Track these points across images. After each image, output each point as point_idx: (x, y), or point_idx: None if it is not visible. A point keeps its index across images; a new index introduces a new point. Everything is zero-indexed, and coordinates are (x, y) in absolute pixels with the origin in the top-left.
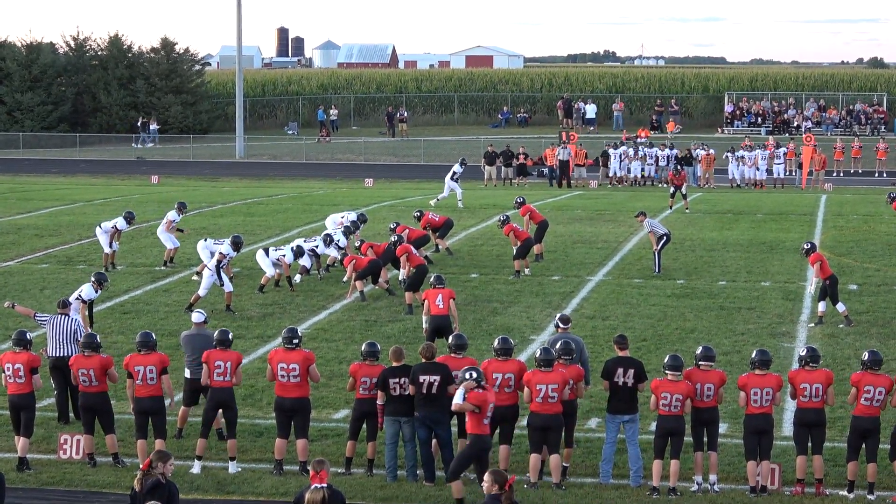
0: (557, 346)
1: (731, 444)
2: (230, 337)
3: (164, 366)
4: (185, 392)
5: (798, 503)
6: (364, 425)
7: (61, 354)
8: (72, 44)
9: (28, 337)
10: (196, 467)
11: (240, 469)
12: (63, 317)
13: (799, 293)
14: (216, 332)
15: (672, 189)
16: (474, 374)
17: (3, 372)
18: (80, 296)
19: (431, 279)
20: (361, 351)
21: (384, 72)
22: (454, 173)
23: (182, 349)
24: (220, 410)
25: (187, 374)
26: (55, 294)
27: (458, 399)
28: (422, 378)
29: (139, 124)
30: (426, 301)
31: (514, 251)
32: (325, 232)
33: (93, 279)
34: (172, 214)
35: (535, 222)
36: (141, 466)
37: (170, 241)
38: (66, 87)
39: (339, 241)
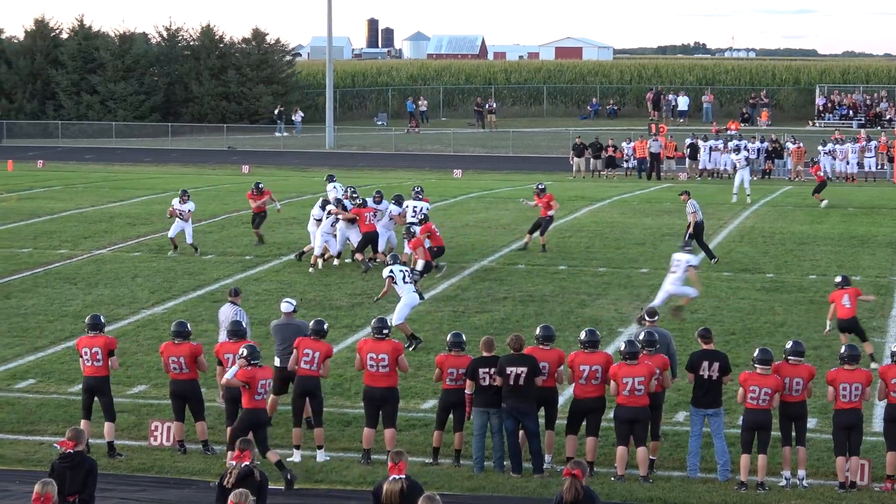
0: (640, 336)
1: (819, 439)
2: (325, 328)
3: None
4: (275, 381)
5: (888, 499)
6: (451, 416)
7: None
8: (164, 34)
9: (102, 321)
10: (296, 456)
11: (328, 458)
12: (230, 304)
13: (890, 287)
14: (312, 322)
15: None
16: (245, 352)
17: (81, 356)
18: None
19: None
20: (447, 341)
21: (473, 63)
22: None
23: (272, 338)
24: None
25: (277, 362)
26: (146, 282)
27: (228, 375)
28: (508, 369)
29: (276, 113)
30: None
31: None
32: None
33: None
34: (176, 202)
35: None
36: (231, 457)
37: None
38: (158, 77)
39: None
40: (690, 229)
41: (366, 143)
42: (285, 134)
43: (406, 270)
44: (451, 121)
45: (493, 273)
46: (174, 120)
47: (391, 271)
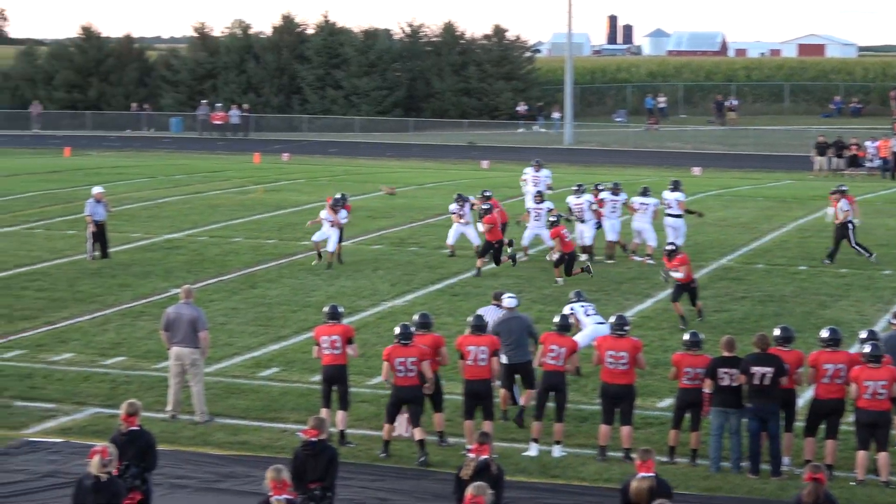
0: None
1: None
2: (570, 322)
3: (495, 349)
4: (504, 376)
5: None
6: (687, 415)
7: None
8: (407, 30)
9: (340, 311)
10: (532, 450)
11: (565, 453)
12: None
13: None
14: (558, 317)
15: None
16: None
17: (319, 345)
18: None
19: None
20: (684, 340)
21: (714, 60)
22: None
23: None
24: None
25: (504, 359)
26: (387, 275)
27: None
28: (753, 369)
29: (525, 109)
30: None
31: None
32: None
33: None
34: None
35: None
36: (471, 449)
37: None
38: (400, 73)
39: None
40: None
41: (604, 140)
42: (543, 130)
43: (588, 306)
44: (690, 118)
45: (731, 272)
46: (416, 115)
47: (573, 309)
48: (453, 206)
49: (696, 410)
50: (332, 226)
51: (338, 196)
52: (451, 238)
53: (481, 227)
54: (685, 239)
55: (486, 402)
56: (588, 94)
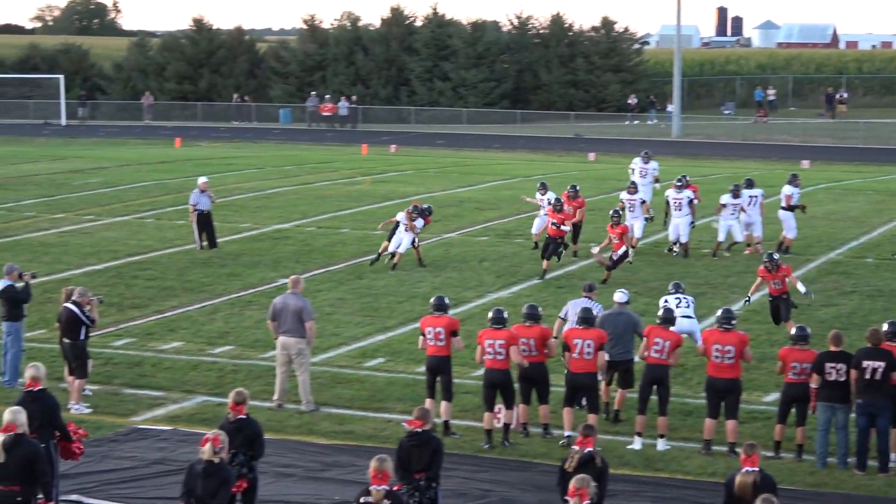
0: None
1: None
2: (675, 315)
3: (602, 342)
4: (607, 371)
5: None
6: (794, 409)
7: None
8: (515, 22)
9: (446, 302)
10: (636, 443)
11: (669, 447)
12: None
13: None
14: (662, 311)
15: None
16: None
17: (424, 335)
18: None
19: None
20: (791, 335)
21: (824, 52)
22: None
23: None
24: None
25: (606, 356)
26: (493, 266)
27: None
28: (865, 363)
29: (635, 102)
30: None
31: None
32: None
33: None
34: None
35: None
36: (576, 443)
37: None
38: (508, 65)
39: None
40: None
41: (712, 133)
42: (655, 121)
43: (683, 298)
44: (799, 111)
45: (839, 266)
46: (523, 107)
47: (666, 301)
48: (537, 196)
49: (802, 405)
50: (407, 230)
51: (424, 206)
52: (535, 228)
53: (549, 219)
54: (796, 232)
55: (590, 394)
56: (696, 87)
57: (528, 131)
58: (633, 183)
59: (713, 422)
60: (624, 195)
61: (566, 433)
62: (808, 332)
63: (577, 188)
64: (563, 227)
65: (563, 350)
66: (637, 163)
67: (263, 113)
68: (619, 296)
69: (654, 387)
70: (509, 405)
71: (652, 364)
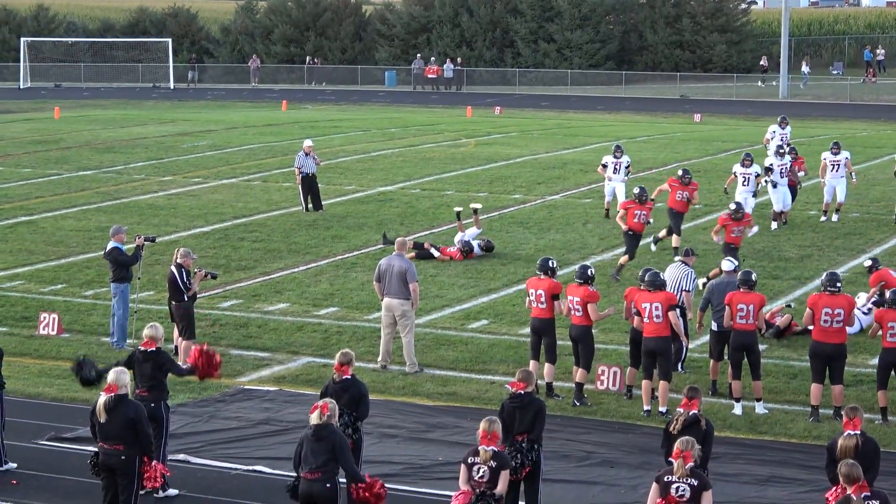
0: None
1: None
2: (753, 278)
3: (671, 304)
4: (714, 343)
5: None
6: (894, 373)
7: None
8: None
9: (551, 265)
10: (737, 409)
11: (767, 410)
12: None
13: None
14: (740, 273)
15: None
16: None
17: (528, 296)
18: None
19: None
20: (888, 299)
21: None
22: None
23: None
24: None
25: (714, 326)
26: (597, 228)
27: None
28: None
29: (762, 63)
30: None
31: None
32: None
33: None
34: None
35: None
36: (681, 405)
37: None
38: (613, 26)
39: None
40: None
41: (820, 93)
42: (790, 83)
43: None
44: None
45: None
46: (628, 68)
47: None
48: (608, 158)
49: None
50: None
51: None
52: (608, 194)
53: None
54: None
55: (662, 359)
56: (804, 47)
57: (633, 93)
58: (748, 155)
59: (819, 387)
60: (737, 167)
61: (645, 407)
62: None
63: (689, 173)
64: (646, 221)
65: (634, 314)
66: (776, 129)
67: (369, 75)
68: (727, 264)
69: (744, 353)
70: (551, 359)
71: (739, 330)
